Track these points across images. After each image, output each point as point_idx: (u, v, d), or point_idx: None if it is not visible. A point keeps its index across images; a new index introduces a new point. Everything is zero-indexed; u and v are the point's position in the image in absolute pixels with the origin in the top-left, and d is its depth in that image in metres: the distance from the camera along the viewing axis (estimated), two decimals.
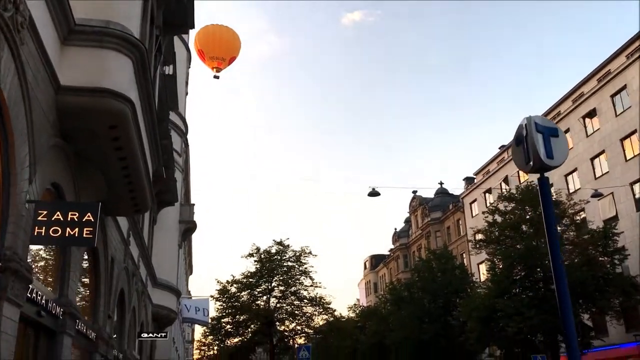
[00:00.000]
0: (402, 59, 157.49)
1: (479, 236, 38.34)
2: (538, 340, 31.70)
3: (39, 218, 6.61)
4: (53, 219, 6.62)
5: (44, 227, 6.55)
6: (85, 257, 10.77)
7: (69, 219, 6.67)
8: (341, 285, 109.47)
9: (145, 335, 18.91)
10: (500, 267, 33.18)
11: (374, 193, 25.05)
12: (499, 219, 34.25)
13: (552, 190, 33.04)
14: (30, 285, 6.66)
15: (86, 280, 11.49)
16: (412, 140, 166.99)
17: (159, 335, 19.38)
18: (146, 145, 10.21)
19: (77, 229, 6.65)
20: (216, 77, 28.70)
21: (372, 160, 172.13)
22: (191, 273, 73.42)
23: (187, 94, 29.41)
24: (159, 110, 14.27)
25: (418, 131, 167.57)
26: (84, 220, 6.73)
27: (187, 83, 28.93)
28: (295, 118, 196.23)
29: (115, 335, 15.26)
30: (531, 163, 5.85)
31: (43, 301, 7.40)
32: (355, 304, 72.53)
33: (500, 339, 32.79)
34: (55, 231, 6.60)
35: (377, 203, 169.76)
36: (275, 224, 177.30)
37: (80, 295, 11.17)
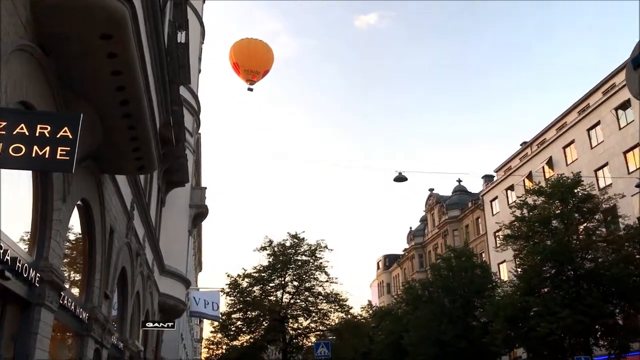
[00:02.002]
0: (418, 58, 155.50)
1: (505, 232, 36.28)
2: (568, 342, 29.66)
3: None
4: (14, 133, 4.75)
5: (0, 144, 4.67)
6: (76, 215, 8.90)
7: (37, 134, 4.78)
8: (352, 286, 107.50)
9: (151, 324, 17.04)
10: (530, 263, 31.28)
11: (400, 178, 23.13)
12: (526, 213, 32.28)
13: (583, 183, 31.08)
14: None
15: (75, 253, 9.64)
16: (429, 138, 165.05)
17: (166, 325, 17.52)
18: (152, 83, 8.36)
19: (48, 148, 4.77)
20: (250, 89, 29.41)
21: (387, 160, 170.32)
22: (200, 270, 71.39)
23: (200, 71, 27.62)
24: (169, 68, 12.44)
25: (435, 129, 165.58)
26: (58, 136, 4.84)
27: (199, 59, 27.16)
28: (310, 115, 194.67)
29: (115, 324, 13.41)
30: None
31: (7, 257, 5.54)
32: (368, 304, 70.95)
33: (528, 340, 30.72)
34: (17, 150, 4.73)
35: (393, 201, 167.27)
36: (288, 216, 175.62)
37: (71, 266, 9.31)
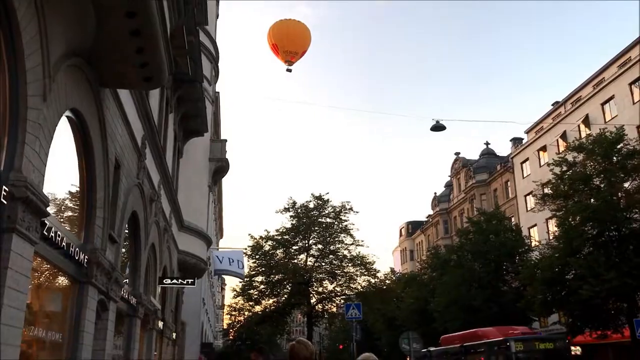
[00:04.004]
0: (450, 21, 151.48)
1: (541, 192, 34.22)
2: (612, 305, 27.89)
3: None
4: None
5: None
6: (69, 132, 7.19)
7: None
8: (374, 253, 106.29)
9: (169, 281, 15.53)
10: (570, 223, 29.33)
11: (438, 127, 21.17)
12: (563, 170, 30.23)
13: (628, 138, 28.90)
14: None
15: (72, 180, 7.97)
16: (457, 102, 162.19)
17: (185, 282, 16.01)
18: None
19: None
20: (289, 70, 29.48)
21: (412, 127, 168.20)
22: (222, 237, 70.13)
23: (217, 16, 25.69)
24: None
25: (463, 94, 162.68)
26: None
27: (217, 3, 25.21)
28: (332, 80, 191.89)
29: (126, 277, 11.85)
30: None
31: None
32: (391, 271, 69.42)
33: (568, 304, 28.93)
34: None
35: (415, 167, 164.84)
36: (310, 178, 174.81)
37: (62, 191, 7.64)
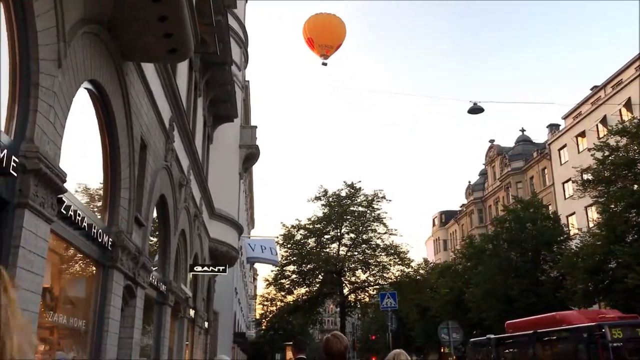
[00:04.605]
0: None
1: (581, 178, 33.04)
2: None
3: None
4: None
5: None
6: (89, 105, 6.76)
7: None
8: (407, 242, 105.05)
9: (200, 268, 15.18)
10: (613, 210, 28.22)
11: (475, 109, 20.35)
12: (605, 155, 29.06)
13: None
14: None
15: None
16: (493, 87, 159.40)
17: (217, 269, 15.64)
18: None
19: None
20: (324, 64, 29.38)
21: (444, 116, 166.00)
22: (253, 227, 70.05)
23: (246, 0, 25.23)
24: None
25: (498, 78, 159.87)
26: None
27: None
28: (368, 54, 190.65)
29: (154, 262, 11.50)
30: None
31: None
32: (424, 261, 68.50)
33: (612, 293, 27.87)
34: None
35: (448, 156, 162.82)
36: (340, 167, 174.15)
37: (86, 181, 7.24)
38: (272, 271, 36.65)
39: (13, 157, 4.44)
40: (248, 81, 33.06)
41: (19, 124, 4.69)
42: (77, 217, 5.99)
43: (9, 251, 4.47)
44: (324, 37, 29.33)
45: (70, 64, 5.50)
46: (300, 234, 36.39)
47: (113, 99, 7.04)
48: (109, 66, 6.82)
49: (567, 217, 48.21)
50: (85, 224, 6.25)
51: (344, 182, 37.44)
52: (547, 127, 59.77)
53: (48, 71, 4.97)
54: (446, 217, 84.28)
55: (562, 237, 37.86)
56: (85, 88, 6.42)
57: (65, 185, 5.33)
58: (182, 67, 12.87)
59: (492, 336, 26.45)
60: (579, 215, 46.37)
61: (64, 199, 5.47)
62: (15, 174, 4.47)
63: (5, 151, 4.34)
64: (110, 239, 7.23)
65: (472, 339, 25.35)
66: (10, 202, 4.54)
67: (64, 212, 5.60)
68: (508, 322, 25.83)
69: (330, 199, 36.67)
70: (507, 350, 25.00)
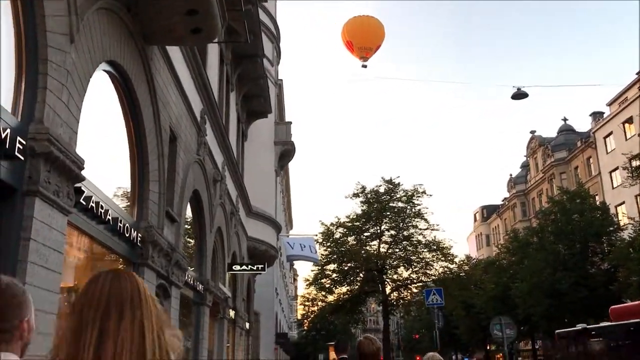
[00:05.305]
0: None
1: (633, 164, 31.57)
2: None
3: None
4: None
5: None
6: (111, 90, 6.28)
7: None
8: (450, 237, 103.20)
9: (238, 267, 14.71)
10: None
11: (519, 94, 19.40)
12: None
13: None
14: None
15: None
16: (533, 78, 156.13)
17: (255, 268, 15.16)
18: None
19: None
20: (364, 66, 29.39)
21: (495, 111, 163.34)
22: (291, 228, 69.71)
23: None
24: None
25: (539, 68, 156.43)
26: None
27: None
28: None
29: (191, 262, 11.04)
30: None
31: None
32: (467, 258, 67.01)
33: None
34: None
35: (488, 150, 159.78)
36: (376, 163, 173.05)
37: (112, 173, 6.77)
38: (312, 271, 36.18)
39: (19, 139, 3.95)
40: (281, 80, 32.65)
41: (26, 103, 4.21)
42: (100, 210, 5.51)
43: (18, 244, 3.99)
44: (363, 40, 29.40)
45: (84, 40, 5.02)
46: (340, 232, 35.79)
47: (137, 85, 6.57)
48: (130, 47, 6.35)
49: (616, 207, 46.38)
50: (110, 217, 5.78)
51: (382, 178, 36.67)
52: (590, 115, 57.80)
53: (58, 46, 4.49)
54: (488, 212, 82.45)
55: (612, 228, 36.32)
56: (105, 70, 5.95)
57: (84, 173, 4.85)
58: (213, 59, 12.43)
59: (591, 325, 23.07)
60: (628, 205, 44.62)
61: (83, 188, 4.99)
62: (22, 158, 3.99)
63: (9, 131, 3.86)
64: (139, 235, 6.76)
65: (557, 331, 23.44)
66: (19, 189, 4.06)
67: (84, 203, 5.12)
68: (613, 307, 21.94)
69: (369, 196, 35.95)
70: (613, 344, 20.49)
